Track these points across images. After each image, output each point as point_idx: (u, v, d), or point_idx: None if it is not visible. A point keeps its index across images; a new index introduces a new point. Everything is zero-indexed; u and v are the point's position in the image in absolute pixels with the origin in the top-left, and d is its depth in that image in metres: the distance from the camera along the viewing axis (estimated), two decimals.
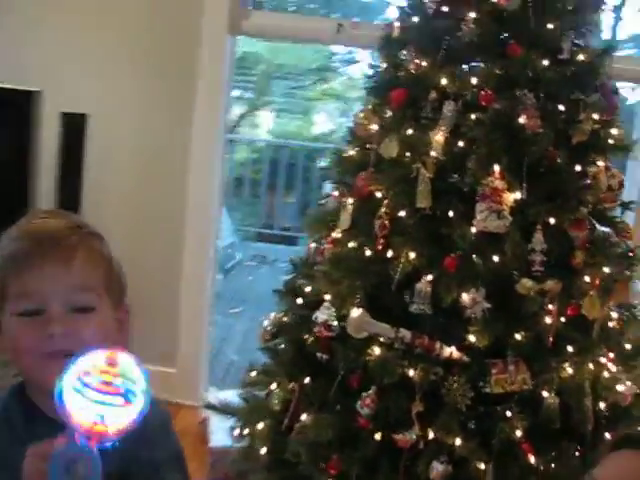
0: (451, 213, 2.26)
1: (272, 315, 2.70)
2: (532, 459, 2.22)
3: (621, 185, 2.48)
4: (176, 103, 3.62)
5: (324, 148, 8.58)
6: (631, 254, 2.49)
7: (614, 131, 2.44)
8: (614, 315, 2.46)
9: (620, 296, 2.44)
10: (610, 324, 2.46)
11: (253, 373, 2.73)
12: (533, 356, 2.26)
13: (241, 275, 6.60)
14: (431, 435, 2.24)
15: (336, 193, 2.65)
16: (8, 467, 1.07)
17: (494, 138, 2.25)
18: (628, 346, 2.52)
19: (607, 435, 2.37)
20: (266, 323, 2.69)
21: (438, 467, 2.22)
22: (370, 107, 2.58)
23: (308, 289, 2.60)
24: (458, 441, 2.21)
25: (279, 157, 8.14)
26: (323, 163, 8.41)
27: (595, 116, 2.38)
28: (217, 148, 3.75)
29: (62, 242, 1.14)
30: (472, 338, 2.23)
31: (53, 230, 1.17)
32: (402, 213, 2.28)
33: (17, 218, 3.16)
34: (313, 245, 2.74)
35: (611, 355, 2.43)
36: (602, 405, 2.37)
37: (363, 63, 10.78)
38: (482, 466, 2.21)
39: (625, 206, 2.59)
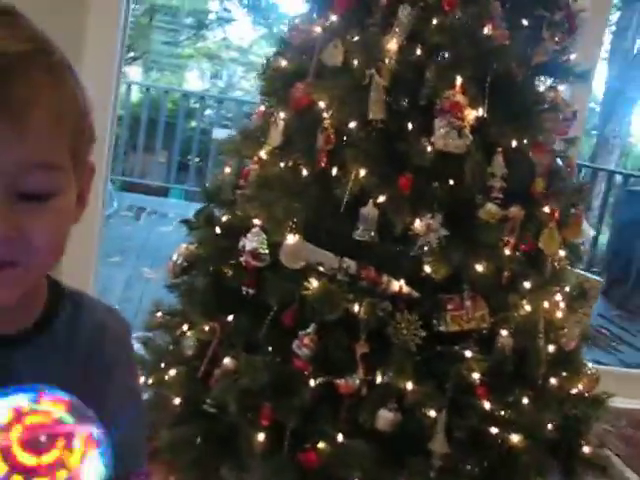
0: (409, 127, 1.98)
1: (182, 247, 2.33)
2: (487, 405, 1.99)
3: (574, 116, 2.30)
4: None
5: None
6: (582, 189, 2.32)
7: (572, 56, 2.25)
8: (562, 253, 2.27)
9: (572, 232, 2.25)
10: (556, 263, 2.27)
11: (158, 314, 2.35)
12: (490, 292, 2.03)
13: (118, 225, 6.14)
14: (378, 379, 1.96)
15: (262, 108, 2.31)
16: None
17: (458, 46, 1.98)
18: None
19: (553, 381, 2.19)
20: (175, 257, 2.32)
21: (386, 415, 1.95)
22: (308, 12, 2.25)
23: (225, 218, 2.26)
24: (409, 385, 1.94)
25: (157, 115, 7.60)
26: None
27: (556, 38, 2.17)
28: (110, 88, 3.29)
29: (16, 82, 0.65)
30: (427, 269, 1.96)
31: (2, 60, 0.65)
32: (352, 124, 1.98)
33: None
34: (228, 170, 2.39)
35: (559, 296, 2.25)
36: (551, 348, 2.18)
37: (239, 23, 10.47)
38: (433, 413, 1.96)
39: (571, 142, 2.42)
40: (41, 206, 0.69)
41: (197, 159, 7.81)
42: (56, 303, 0.82)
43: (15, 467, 0.62)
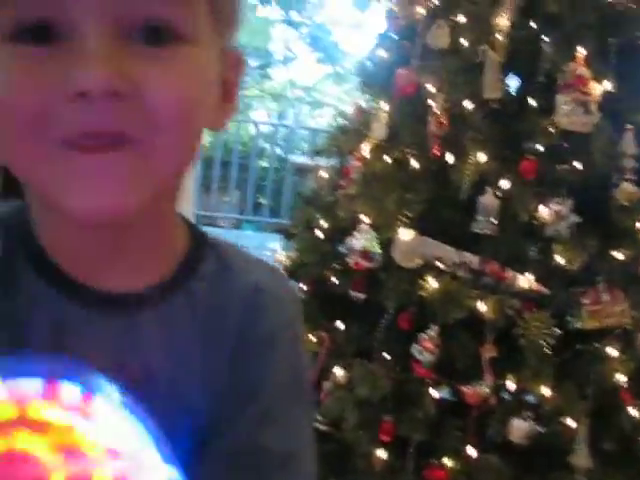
0: (528, 106, 1.80)
1: (279, 256, 2.18)
2: (635, 412, 1.76)
3: None
4: None
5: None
6: None
7: None
8: None
9: None
10: None
11: None
12: (628, 283, 1.82)
13: None
14: (509, 386, 1.76)
15: (361, 103, 2.17)
16: None
17: (578, 14, 1.81)
18: None
19: None
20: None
21: (520, 425, 1.74)
22: None
23: (326, 221, 2.11)
24: (546, 391, 1.73)
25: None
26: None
27: None
28: None
29: None
30: (559, 260, 1.76)
31: None
32: (467, 105, 1.81)
33: None
34: (324, 175, 2.25)
35: None
36: None
37: (303, 62, 10.50)
38: (574, 423, 1.74)
39: None
40: (162, 51, 0.48)
41: (270, 198, 7.76)
42: (196, 255, 0.60)
43: None
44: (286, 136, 8.50)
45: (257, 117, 10.16)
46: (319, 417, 1.88)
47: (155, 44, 0.48)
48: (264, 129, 8.80)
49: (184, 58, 0.49)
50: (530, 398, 1.76)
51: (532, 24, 1.86)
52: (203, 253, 0.60)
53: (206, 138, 8.28)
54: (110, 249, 0.55)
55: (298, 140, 8.33)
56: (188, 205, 3.44)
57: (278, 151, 8.62)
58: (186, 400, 0.56)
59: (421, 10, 1.98)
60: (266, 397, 0.58)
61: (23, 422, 0.36)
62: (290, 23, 10.19)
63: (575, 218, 1.77)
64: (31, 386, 0.37)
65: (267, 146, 8.54)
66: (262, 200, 7.91)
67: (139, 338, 0.56)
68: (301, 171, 6.12)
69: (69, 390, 0.37)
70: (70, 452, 0.35)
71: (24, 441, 0.35)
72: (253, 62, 10.05)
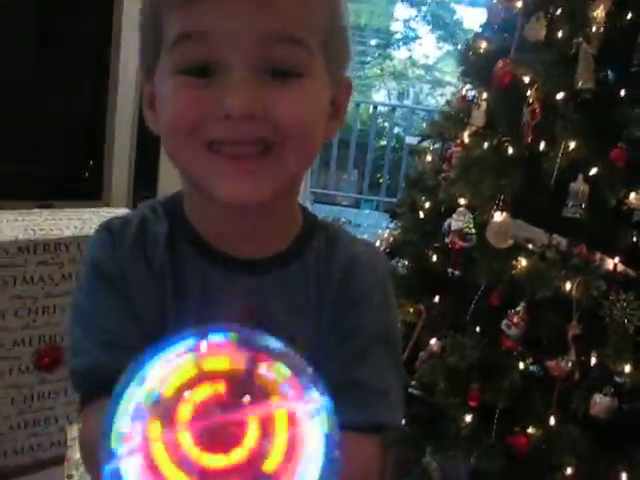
0: (621, 96, 1.88)
1: (384, 234, 2.35)
2: None
3: None
4: None
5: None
6: None
7: None
8: None
9: None
10: None
11: None
12: None
13: None
14: (592, 362, 1.86)
15: (463, 91, 2.29)
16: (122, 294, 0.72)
17: None
18: None
19: None
20: (378, 244, 2.34)
21: (601, 400, 1.84)
22: None
23: (428, 203, 2.25)
24: (627, 369, 1.83)
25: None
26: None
27: None
28: None
29: None
30: None
31: None
32: (559, 96, 1.91)
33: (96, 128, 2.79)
34: (429, 158, 2.39)
35: None
36: None
37: (424, 41, 10.51)
38: None
39: None
40: (286, 84, 0.67)
41: (387, 177, 7.86)
42: (310, 233, 0.80)
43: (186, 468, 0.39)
44: (405, 115, 8.58)
45: (377, 97, 10.30)
46: (413, 383, 2.05)
47: (282, 79, 0.67)
48: (383, 109, 8.92)
49: (302, 89, 0.68)
50: (612, 376, 1.85)
51: (628, 15, 1.93)
52: (314, 231, 0.80)
53: None
54: (246, 226, 0.75)
55: (417, 120, 8.40)
56: (305, 183, 3.64)
57: (397, 130, 8.72)
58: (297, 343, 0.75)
59: (519, 3, 2.09)
60: (360, 340, 0.75)
61: (217, 375, 0.40)
62: (411, 2, 10.21)
63: None
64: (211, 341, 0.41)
65: (386, 125, 8.65)
66: (380, 179, 8.04)
67: (264, 294, 0.75)
68: (415, 152, 6.23)
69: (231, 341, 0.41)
70: (252, 395, 0.40)
71: (219, 388, 0.40)
72: (373, 42, 10.18)
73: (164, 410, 0.40)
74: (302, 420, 0.41)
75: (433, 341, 2.03)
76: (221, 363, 0.41)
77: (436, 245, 2.15)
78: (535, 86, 1.96)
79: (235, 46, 0.65)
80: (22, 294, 2.00)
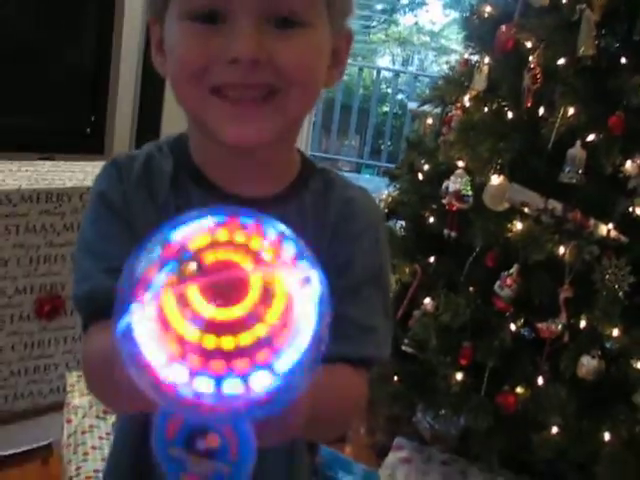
0: (622, 64, 1.90)
1: (383, 195, 2.37)
2: None
3: None
4: None
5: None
6: None
7: None
8: None
9: None
10: None
11: None
12: None
13: None
14: (582, 325, 1.90)
15: (465, 55, 2.30)
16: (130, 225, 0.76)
17: None
18: None
19: None
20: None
21: (588, 362, 1.89)
22: None
23: (427, 165, 2.27)
24: (615, 332, 1.87)
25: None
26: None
27: None
28: None
29: None
30: (639, 212, 1.88)
31: None
32: (560, 62, 1.92)
33: (99, 83, 2.78)
34: (430, 121, 2.41)
35: None
36: None
37: (430, 7, 10.43)
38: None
39: None
40: (290, 33, 0.71)
41: (389, 143, 7.86)
42: (307, 176, 0.84)
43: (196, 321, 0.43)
44: (408, 82, 8.55)
45: (381, 62, 10.25)
46: (407, 340, 2.10)
47: (285, 28, 0.70)
48: (387, 74, 8.89)
49: (304, 37, 0.72)
50: (601, 339, 1.89)
51: None
52: (312, 174, 0.84)
53: None
54: (247, 167, 0.79)
55: (420, 87, 8.37)
56: (306, 147, 3.65)
57: (400, 97, 8.70)
58: None
59: None
60: (351, 276, 0.79)
61: (228, 243, 0.45)
62: None
63: None
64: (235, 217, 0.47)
65: (389, 91, 8.63)
66: (382, 145, 8.04)
67: None
68: (416, 116, 6.24)
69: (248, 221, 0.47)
70: (260, 261, 0.45)
71: (229, 254, 0.45)
72: (379, 6, 10.11)
73: (177, 266, 0.45)
74: (297, 287, 0.46)
75: (427, 300, 2.06)
76: (231, 235, 0.46)
77: (434, 207, 2.18)
78: (537, 52, 1.97)
79: None
80: (24, 243, 2.04)
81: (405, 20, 10.38)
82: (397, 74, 8.74)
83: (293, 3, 0.70)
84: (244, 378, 0.43)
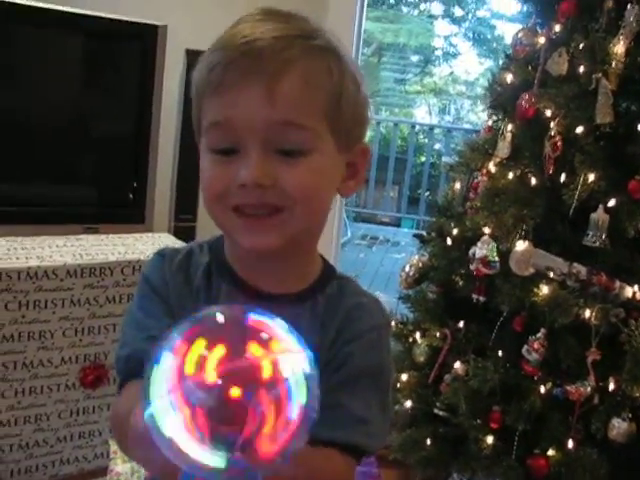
0: (639, 129, 1.95)
1: (414, 259, 2.43)
2: None
3: None
4: None
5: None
6: None
7: None
8: None
9: None
10: None
11: (391, 324, 2.46)
12: None
13: (353, 252, 6.57)
14: (611, 387, 1.93)
15: (489, 122, 2.37)
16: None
17: None
18: None
19: None
20: (407, 268, 2.42)
21: (619, 425, 1.90)
22: (530, 25, 2.29)
23: (455, 230, 2.33)
24: None
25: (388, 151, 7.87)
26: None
27: None
28: None
29: (269, 57, 0.81)
30: None
31: (259, 39, 0.82)
32: (579, 129, 1.98)
33: (139, 154, 2.89)
34: (458, 185, 2.47)
35: None
36: None
37: (465, 57, 10.56)
38: None
39: None
40: (293, 161, 0.83)
41: (427, 193, 7.92)
42: (325, 281, 0.95)
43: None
44: (444, 132, 8.64)
45: (418, 112, 10.39)
46: (439, 404, 2.14)
47: (289, 157, 0.83)
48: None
49: (307, 163, 0.84)
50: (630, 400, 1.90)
51: None
52: (329, 280, 0.96)
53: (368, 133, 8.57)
54: (267, 267, 0.91)
55: (457, 136, 8.45)
56: (342, 203, 3.73)
57: (437, 146, 8.78)
58: None
59: (542, 39, 2.16)
60: (349, 370, 0.88)
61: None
62: (452, 19, 10.29)
63: None
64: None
65: (426, 141, 8.72)
66: (420, 194, 8.10)
67: None
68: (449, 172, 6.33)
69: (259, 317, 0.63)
70: (268, 349, 0.60)
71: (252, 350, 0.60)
72: (415, 58, 10.28)
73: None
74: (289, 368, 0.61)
75: (457, 364, 2.11)
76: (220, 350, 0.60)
77: (462, 271, 2.23)
78: (557, 119, 2.03)
79: (250, 132, 0.82)
80: (69, 315, 2.14)
81: (440, 71, 10.55)
82: (431, 127, 8.82)
83: (294, 138, 0.83)
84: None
